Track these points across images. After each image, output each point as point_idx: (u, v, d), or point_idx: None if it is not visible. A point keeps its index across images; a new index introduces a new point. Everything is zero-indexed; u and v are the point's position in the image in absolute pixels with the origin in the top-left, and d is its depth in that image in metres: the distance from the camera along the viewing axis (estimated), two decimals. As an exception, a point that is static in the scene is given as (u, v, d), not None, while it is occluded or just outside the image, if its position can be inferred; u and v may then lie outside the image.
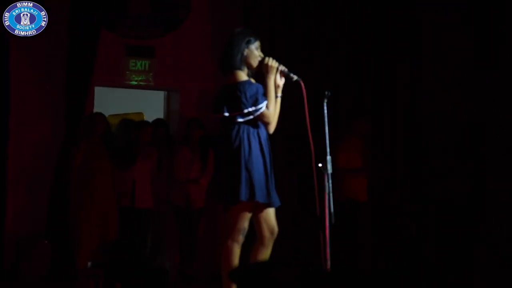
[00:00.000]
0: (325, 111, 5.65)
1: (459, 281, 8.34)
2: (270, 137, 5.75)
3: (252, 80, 5.68)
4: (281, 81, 5.69)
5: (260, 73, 5.66)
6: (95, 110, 8.86)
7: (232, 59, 5.60)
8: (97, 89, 9.04)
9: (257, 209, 5.68)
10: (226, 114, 5.58)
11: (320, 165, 5.66)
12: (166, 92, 9.65)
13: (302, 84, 5.59)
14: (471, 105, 8.96)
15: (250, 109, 5.52)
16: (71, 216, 8.27)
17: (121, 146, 8.48)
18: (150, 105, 9.72)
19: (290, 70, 5.68)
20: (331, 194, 5.64)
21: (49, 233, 8.48)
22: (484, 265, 8.46)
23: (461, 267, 8.46)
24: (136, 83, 9.29)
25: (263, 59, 5.64)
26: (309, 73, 8.38)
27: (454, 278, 8.29)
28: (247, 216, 5.63)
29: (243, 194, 5.51)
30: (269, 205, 5.67)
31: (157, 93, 9.71)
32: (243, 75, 5.61)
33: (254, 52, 5.65)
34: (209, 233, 8.93)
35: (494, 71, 8.82)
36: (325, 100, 5.67)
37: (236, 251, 5.66)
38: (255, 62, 5.65)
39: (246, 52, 5.62)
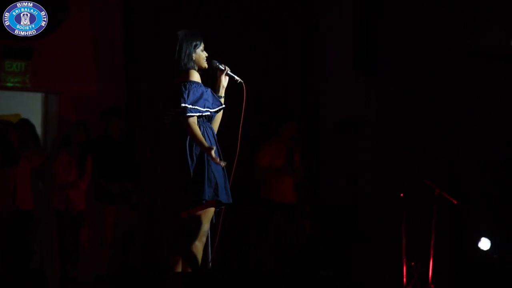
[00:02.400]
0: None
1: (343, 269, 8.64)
2: None
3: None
4: (225, 82, 5.92)
5: (209, 72, 5.87)
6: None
7: (183, 62, 5.75)
8: (-29, 91, 8.90)
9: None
10: (175, 110, 5.68)
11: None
12: (43, 94, 9.55)
13: (244, 86, 5.85)
14: (351, 105, 9.27)
15: (187, 105, 5.62)
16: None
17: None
18: (28, 107, 9.57)
19: (234, 72, 5.91)
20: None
21: None
22: (362, 255, 8.80)
23: (343, 261, 8.76)
24: (12, 84, 9.12)
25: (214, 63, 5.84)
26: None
27: (338, 270, 8.56)
28: (211, 216, 5.76)
29: (208, 193, 5.63)
30: (221, 204, 5.79)
31: (35, 95, 9.57)
32: (195, 76, 5.75)
33: (201, 54, 5.83)
34: (93, 236, 8.90)
35: (372, 73, 9.19)
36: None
37: (201, 251, 5.77)
38: (204, 63, 5.84)
39: (194, 56, 5.79)
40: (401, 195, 8.01)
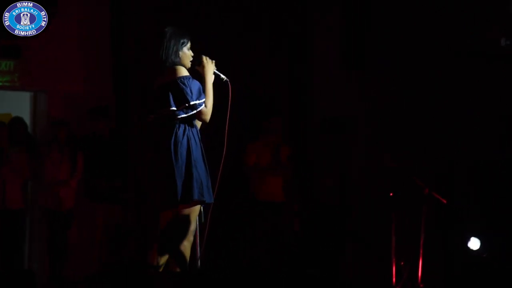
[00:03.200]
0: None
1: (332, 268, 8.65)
2: None
3: None
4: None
5: (193, 71, 5.80)
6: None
7: (170, 58, 5.69)
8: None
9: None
10: (173, 108, 5.61)
11: None
12: (32, 93, 9.52)
13: (230, 84, 5.79)
14: (341, 104, 9.28)
15: (196, 102, 5.60)
16: None
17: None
18: (16, 106, 9.54)
19: (219, 71, 5.83)
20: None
21: None
22: (351, 254, 8.81)
23: (333, 257, 8.77)
24: (0, 83, 9.10)
25: (200, 58, 5.76)
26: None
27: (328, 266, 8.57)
28: (197, 215, 5.73)
29: (196, 193, 5.59)
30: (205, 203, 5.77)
31: (23, 94, 9.54)
32: (184, 71, 5.70)
33: (187, 53, 5.77)
34: (81, 234, 8.88)
35: (362, 71, 9.21)
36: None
37: (189, 251, 5.76)
38: (188, 63, 5.78)
39: (180, 54, 5.73)
40: (391, 194, 8.02)
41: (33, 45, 9.05)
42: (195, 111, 5.63)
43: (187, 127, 5.67)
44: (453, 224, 8.60)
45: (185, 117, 5.63)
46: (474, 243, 8.15)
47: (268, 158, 8.79)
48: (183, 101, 5.60)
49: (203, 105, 5.64)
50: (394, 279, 8.02)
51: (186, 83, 5.62)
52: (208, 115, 5.69)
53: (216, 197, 5.79)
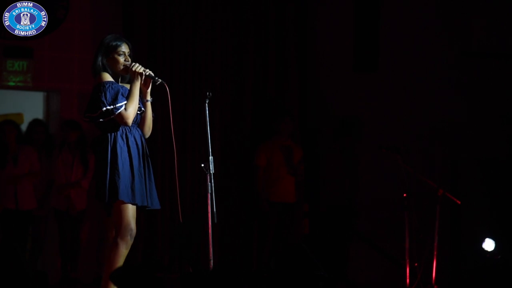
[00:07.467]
0: (207, 112, 5.83)
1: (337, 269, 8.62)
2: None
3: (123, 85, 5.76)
4: (146, 84, 5.76)
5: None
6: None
7: (94, 65, 5.73)
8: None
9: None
10: (91, 114, 5.63)
11: (202, 165, 5.77)
12: (45, 93, 9.52)
13: (166, 87, 5.70)
14: (350, 105, 9.23)
15: (108, 108, 5.57)
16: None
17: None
18: (30, 106, 9.55)
19: (156, 74, 5.74)
20: (213, 194, 5.76)
21: None
22: (357, 255, 8.78)
23: (338, 257, 8.72)
24: (14, 83, 9.12)
25: (130, 64, 5.70)
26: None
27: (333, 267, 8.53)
28: (131, 215, 5.63)
29: (107, 196, 5.58)
30: (138, 206, 5.70)
31: (36, 94, 9.56)
32: (107, 77, 5.68)
33: (117, 59, 5.72)
34: (93, 236, 8.86)
35: (372, 73, 9.16)
36: (207, 101, 5.84)
37: (123, 251, 5.63)
38: (118, 68, 5.72)
39: (105, 60, 5.72)
40: (404, 195, 7.94)
41: (46, 45, 9.08)
42: (112, 116, 5.59)
43: (109, 131, 5.64)
44: (466, 225, 8.56)
45: (103, 121, 5.61)
46: (488, 245, 8.07)
47: (280, 159, 8.75)
48: (98, 107, 5.58)
49: (121, 109, 5.59)
50: (408, 280, 7.95)
51: (102, 89, 5.60)
52: (128, 119, 5.61)
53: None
